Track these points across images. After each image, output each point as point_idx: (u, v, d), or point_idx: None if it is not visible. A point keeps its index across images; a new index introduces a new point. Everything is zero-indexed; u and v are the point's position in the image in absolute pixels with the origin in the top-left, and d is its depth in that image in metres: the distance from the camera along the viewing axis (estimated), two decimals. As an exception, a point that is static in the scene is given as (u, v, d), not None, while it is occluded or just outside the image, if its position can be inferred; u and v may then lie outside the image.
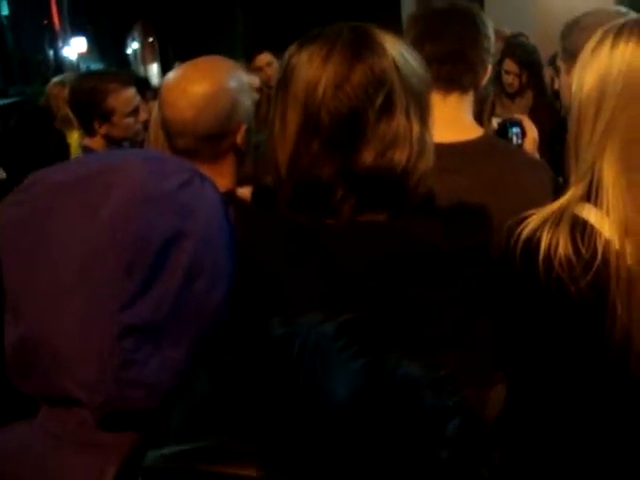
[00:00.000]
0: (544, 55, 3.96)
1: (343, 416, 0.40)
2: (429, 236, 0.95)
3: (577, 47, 1.87)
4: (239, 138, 1.45)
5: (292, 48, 1.00)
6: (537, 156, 1.85)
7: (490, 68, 1.59)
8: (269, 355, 0.44)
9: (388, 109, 0.94)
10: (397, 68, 0.95)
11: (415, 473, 0.40)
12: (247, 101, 1.46)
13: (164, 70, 27.50)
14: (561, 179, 1.62)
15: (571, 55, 1.87)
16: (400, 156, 0.94)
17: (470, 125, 1.53)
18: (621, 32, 1.12)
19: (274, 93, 1.00)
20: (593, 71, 1.12)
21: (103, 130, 2.64)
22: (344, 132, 0.93)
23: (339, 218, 0.96)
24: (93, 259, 0.67)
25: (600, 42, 1.14)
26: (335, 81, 0.93)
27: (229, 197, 1.43)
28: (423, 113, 0.98)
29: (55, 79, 3.63)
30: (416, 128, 0.96)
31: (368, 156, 0.93)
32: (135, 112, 2.69)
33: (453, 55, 1.45)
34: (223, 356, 0.45)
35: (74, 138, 2.31)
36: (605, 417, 1.11)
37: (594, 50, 1.14)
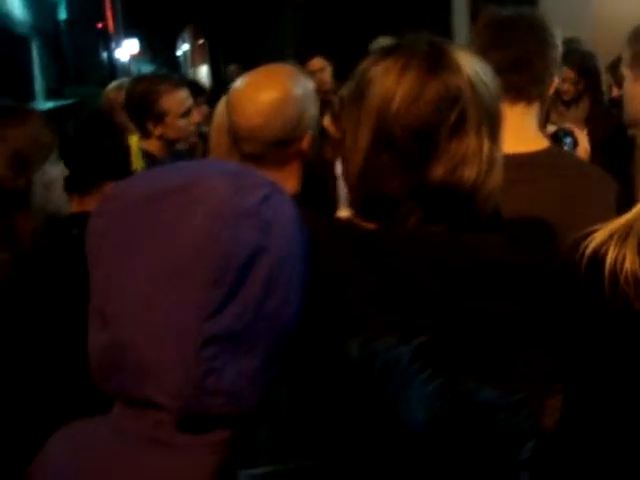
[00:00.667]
0: (601, 61, 3.90)
1: (423, 439, 0.41)
2: (491, 250, 0.95)
3: None
4: (305, 144, 1.48)
5: (369, 60, 1.01)
6: None
7: (556, 79, 1.57)
8: (350, 377, 0.45)
9: (460, 127, 0.95)
10: (471, 86, 0.96)
11: None
12: (313, 108, 1.48)
13: (214, 72, 27.84)
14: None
15: None
16: (469, 173, 0.95)
17: (536, 136, 1.52)
18: None
19: (347, 103, 1.01)
20: None
21: (158, 131, 2.69)
22: (416, 147, 0.94)
23: (405, 229, 0.97)
24: (180, 271, 0.69)
25: None
26: (409, 96, 0.94)
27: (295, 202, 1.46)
28: (494, 130, 0.99)
29: (113, 83, 3.70)
30: (486, 146, 0.96)
31: (438, 172, 0.94)
32: (188, 113, 2.74)
33: (520, 64, 1.45)
34: (304, 376, 0.47)
35: (134, 141, 2.35)
36: None
37: None
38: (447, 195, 0.96)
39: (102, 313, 0.74)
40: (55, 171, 1.53)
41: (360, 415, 0.42)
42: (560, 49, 1.54)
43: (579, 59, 3.73)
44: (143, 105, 2.68)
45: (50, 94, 13.76)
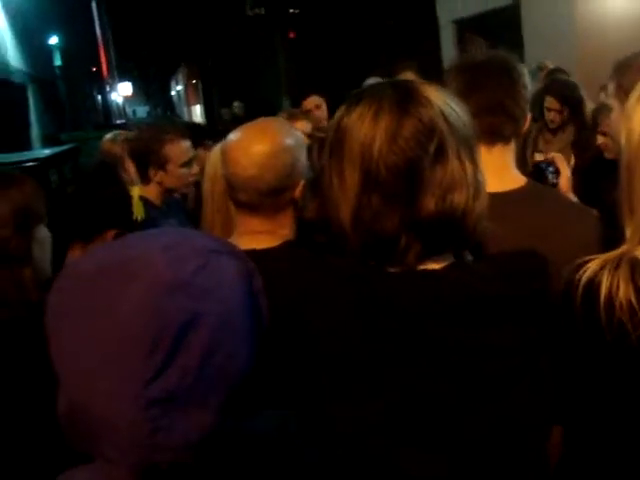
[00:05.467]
0: (584, 85, 4.01)
1: None
2: (481, 284, 0.97)
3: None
4: (297, 192, 1.55)
5: (340, 110, 1.04)
6: (572, 194, 1.89)
7: (529, 116, 1.62)
8: None
9: (441, 155, 0.98)
10: (444, 116, 0.99)
11: None
12: (304, 158, 1.56)
13: (207, 111, 28.11)
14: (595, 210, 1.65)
15: (628, 93, 1.85)
16: (459, 198, 0.98)
17: (514, 175, 1.56)
18: None
19: (327, 153, 1.04)
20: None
21: (157, 178, 2.76)
22: (403, 183, 0.97)
23: (404, 265, 1.00)
24: (119, 342, 0.77)
25: None
26: (388, 136, 0.97)
27: (289, 246, 1.54)
28: (473, 155, 1.02)
29: (107, 136, 3.78)
30: (469, 170, 1.00)
31: (429, 203, 0.97)
32: (189, 163, 2.82)
33: (493, 108, 1.49)
34: None
35: (135, 191, 2.43)
36: None
37: (639, 99, 1.16)
38: (442, 223, 0.98)
39: (60, 381, 0.82)
40: (46, 231, 1.65)
41: None
42: (530, 87, 1.58)
43: (562, 89, 3.84)
44: (146, 151, 2.76)
45: (47, 141, 13.88)
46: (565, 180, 1.87)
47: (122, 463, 0.79)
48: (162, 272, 0.78)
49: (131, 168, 3.26)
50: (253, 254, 1.51)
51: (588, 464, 1.18)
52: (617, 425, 1.13)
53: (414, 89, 1.02)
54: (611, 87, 1.83)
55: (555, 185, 1.89)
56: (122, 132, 3.80)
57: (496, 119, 1.49)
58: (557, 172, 1.90)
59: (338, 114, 1.05)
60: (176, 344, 0.77)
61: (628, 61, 1.83)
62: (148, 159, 2.75)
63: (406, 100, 0.99)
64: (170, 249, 0.81)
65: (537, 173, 1.92)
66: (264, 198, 1.51)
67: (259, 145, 1.51)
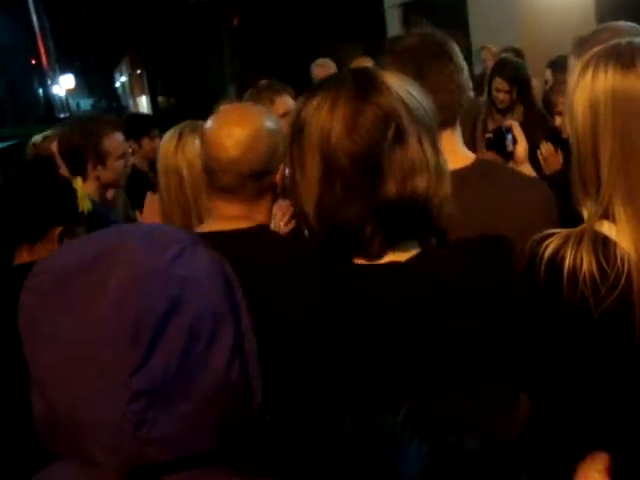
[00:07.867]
0: (531, 70, 4.06)
1: None
2: (448, 276, 0.97)
3: None
4: (277, 177, 1.54)
5: (300, 100, 1.04)
6: (527, 165, 1.89)
7: (470, 94, 1.60)
8: (348, 453, 0.50)
9: (400, 139, 0.97)
10: (403, 102, 0.99)
11: None
12: (282, 143, 1.53)
13: (153, 101, 27.66)
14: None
15: None
16: (421, 182, 0.98)
17: (465, 154, 1.57)
18: (597, 63, 1.15)
19: (289, 145, 1.04)
20: (581, 103, 1.15)
21: (96, 173, 2.64)
22: (363, 171, 0.97)
23: (369, 255, 1.00)
24: (101, 335, 0.74)
25: (582, 74, 1.17)
26: (346, 124, 0.97)
27: (261, 231, 1.52)
28: (434, 141, 1.02)
29: (36, 137, 3.62)
30: (431, 155, 1.00)
31: (391, 187, 0.96)
32: (124, 155, 2.72)
33: (441, 99, 1.47)
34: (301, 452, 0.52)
35: (78, 184, 2.33)
36: (632, 433, 1.13)
37: (577, 83, 1.17)
38: (404, 208, 0.98)
39: (38, 382, 0.79)
40: None
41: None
42: (466, 67, 1.56)
43: (511, 70, 3.87)
44: (84, 146, 2.62)
45: (-13, 136, 13.44)
46: (522, 149, 1.88)
47: (109, 464, 0.75)
48: (141, 259, 0.76)
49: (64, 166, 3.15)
50: (221, 235, 1.42)
51: (556, 430, 1.20)
52: (581, 396, 1.15)
53: (374, 77, 1.01)
54: (572, 63, 1.83)
55: (512, 152, 1.89)
56: (52, 131, 3.65)
57: (447, 109, 1.48)
58: (515, 140, 1.90)
59: (297, 104, 1.04)
60: (158, 332, 0.74)
61: (587, 37, 1.84)
62: (85, 154, 2.62)
63: (365, 88, 0.99)
64: (148, 237, 0.80)
65: (498, 137, 1.92)
66: (245, 181, 1.50)
67: (241, 127, 1.50)
